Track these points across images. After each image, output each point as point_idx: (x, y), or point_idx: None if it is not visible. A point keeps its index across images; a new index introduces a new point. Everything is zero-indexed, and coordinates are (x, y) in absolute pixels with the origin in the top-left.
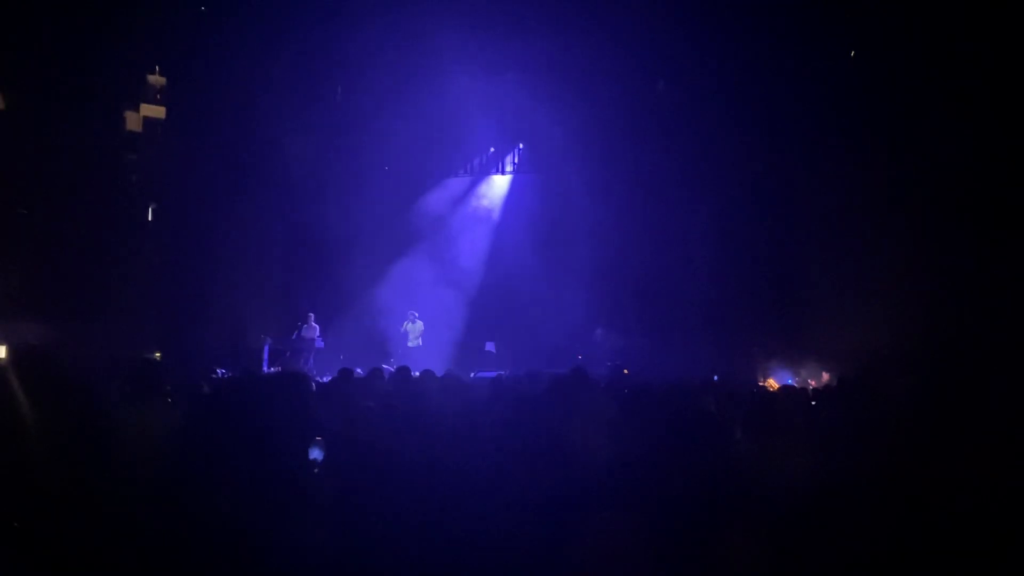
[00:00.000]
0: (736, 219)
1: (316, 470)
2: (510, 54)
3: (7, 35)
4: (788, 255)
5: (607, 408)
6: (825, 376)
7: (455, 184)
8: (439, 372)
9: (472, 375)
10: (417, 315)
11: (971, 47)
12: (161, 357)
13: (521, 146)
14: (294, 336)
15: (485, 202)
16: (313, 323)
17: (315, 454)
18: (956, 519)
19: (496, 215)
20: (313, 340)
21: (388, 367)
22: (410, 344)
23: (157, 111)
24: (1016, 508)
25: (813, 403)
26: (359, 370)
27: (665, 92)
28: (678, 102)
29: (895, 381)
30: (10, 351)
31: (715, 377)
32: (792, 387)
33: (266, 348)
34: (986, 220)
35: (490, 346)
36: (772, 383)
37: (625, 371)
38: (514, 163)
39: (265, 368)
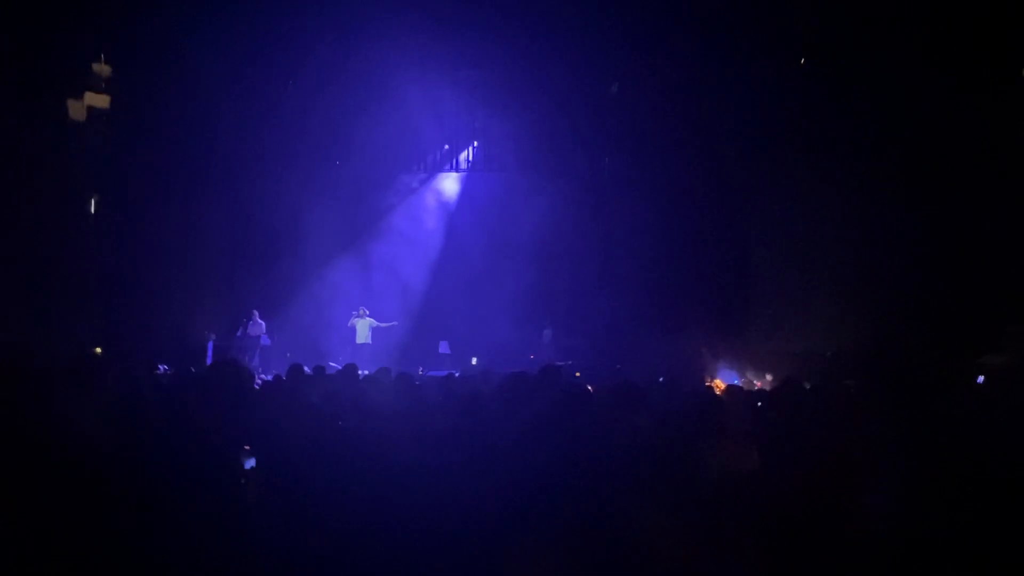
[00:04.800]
0: (685, 221)
1: (256, 470)
2: (465, 51)
3: None
4: (735, 257)
5: (558, 410)
6: (770, 377)
7: (408, 180)
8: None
9: (420, 372)
10: (367, 311)
11: (925, 43)
12: (102, 352)
13: (475, 144)
14: (239, 333)
15: (438, 199)
16: (259, 319)
17: (249, 463)
18: (900, 520)
19: (449, 213)
20: (259, 337)
21: (335, 365)
22: (359, 341)
23: (102, 100)
24: (962, 507)
25: (759, 404)
26: (307, 368)
27: (618, 93)
28: (630, 102)
29: (840, 383)
30: None
31: (660, 379)
32: (738, 387)
33: (210, 345)
34: (934, 225)
35: (444, 347)
36: (718, 383)
37: (577, 374)
38: (468, 161)
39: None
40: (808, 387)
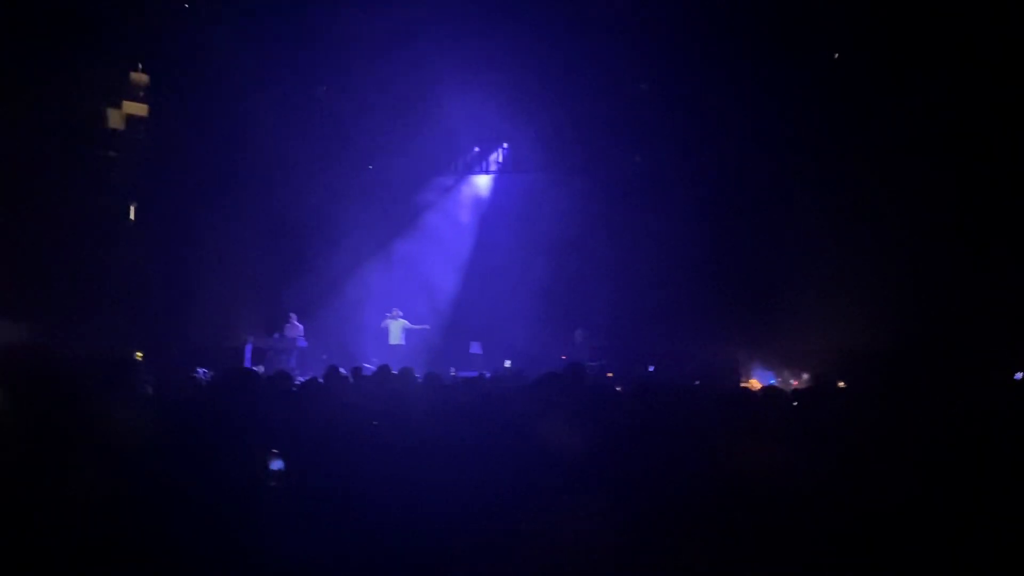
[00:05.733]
0: (717, 220)
1: (291, 469)
2: (495, 53)
3: None
4: (769, 255)
5: (587, 409)
6: (807, 376)
7: (439, 183)
8: (422, 371)
9: (452, 372)
10: (400, 312)
11: (946, 47)
12: (142, 356)
13: (506, 146)
14: (276, 336)
15: (469, 201)
16: (296, 322)
17: (276, 465)
18: (937, 519)
19: (480, 214)
20: (295, 339)
21: (370, 366)
22: (392, 342)
23: (140, 109)
24: (995, 506)
25: (794, 404)
26: (343, 370)
27: (648, 93)
28: (660, 103)
29: (876, 381)
30: None
31: (696, 382)
32: (774, 387)
33: (248, 348)
34: (965, 221)
35: (476, 347)
36: (754, 383)
37: (609, 374)
38: (498, 163)
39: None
40: (843, 386)
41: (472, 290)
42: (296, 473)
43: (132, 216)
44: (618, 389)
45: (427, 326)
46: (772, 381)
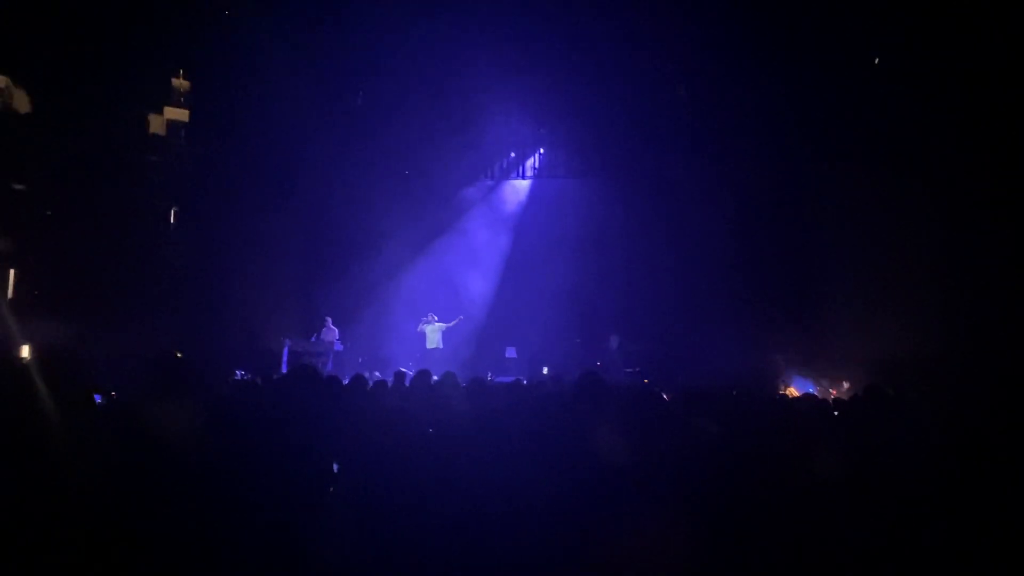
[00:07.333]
0: (757, 226)
1: (337, 469)
2: (531, 58)
3: (31, 38)
4: (809, 263)
5: (629, 415)
6: (846, 385)
7: (476, 188)
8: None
9: (489, 377)
10: (436, 317)
11: (983, 50)
12: (182, 356)
13: (542, 151)
14: (313, 339)
15: (506, 207)
16: (331, 326)
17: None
18: (977, 528)
19: (516, 220)
20: (332, 343)
21: (408, 371)
22: (429, 346)
23: (181, 114)
24: None
25: (835, 412)
26: (378, 374)
27: (686, 97)
28: (699, 107)
29: (918, 391)
30: (34, 351)
31: (734, 391)
32: (813, 396)
33: (285, 350)
34: (1013, 224)
35: (511, 352)
36: (792, 392)
37: (645, 380)
38: (535, 168)
39: (284, 371)
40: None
41: (507, 295)
42: (349, 475)
43: (172, 219)
44: (665, 397)
45: (460, 316)
46: (811, 389)
